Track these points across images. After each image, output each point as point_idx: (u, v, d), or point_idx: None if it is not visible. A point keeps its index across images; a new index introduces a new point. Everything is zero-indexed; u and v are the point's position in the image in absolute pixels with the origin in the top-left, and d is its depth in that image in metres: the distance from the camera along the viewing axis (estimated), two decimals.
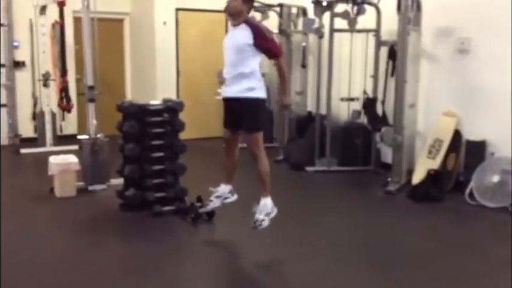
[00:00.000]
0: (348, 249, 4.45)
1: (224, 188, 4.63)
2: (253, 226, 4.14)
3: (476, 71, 5.94)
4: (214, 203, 4.63)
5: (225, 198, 4.63)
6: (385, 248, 4.49)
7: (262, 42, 4.19)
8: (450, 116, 6.11)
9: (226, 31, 8.78)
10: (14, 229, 4.82)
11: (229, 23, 4.45)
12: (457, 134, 6.03)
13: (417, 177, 5.94)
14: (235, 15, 4.25)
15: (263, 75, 9.19)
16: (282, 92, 4.56)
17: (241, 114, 4.31)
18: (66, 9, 7.73)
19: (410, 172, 6.26)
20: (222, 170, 4.76)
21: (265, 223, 4.15)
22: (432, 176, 5.82)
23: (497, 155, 5.67)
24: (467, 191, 5.63)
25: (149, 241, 4.51)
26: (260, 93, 4.30)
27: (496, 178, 5.47)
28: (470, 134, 5.96)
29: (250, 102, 4.26)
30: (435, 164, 5.96)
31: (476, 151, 5.83)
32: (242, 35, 4.20)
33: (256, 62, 4.28)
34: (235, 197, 4.64)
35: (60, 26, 7.89)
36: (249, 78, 4.23)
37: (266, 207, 4.19)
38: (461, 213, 5.41)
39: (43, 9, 7.93)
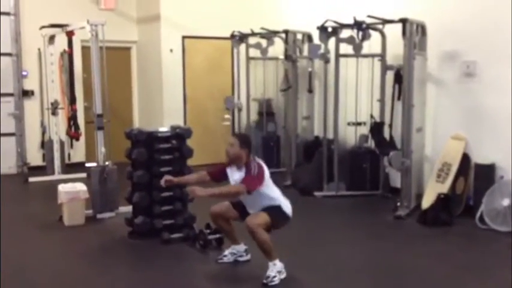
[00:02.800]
0: (358, 275, 4.41)
1: (239, 248, 4.61)
2: (264, 282, 4.11)
3: (483, 94, 5.95)
4: (228, 258, 4.60)
5: (240, 256, 4.61)
6: (395, 274, 4.45)
7: (246, 173, 4.18)
8: (458, 139, 6.10)
9: (232, 58, 8.89)
10: (23, 257, 4.82)
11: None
12: (465, 158, 6.01)
13: (427, 202, 5.91)
14: (235, 160, 4.29)
15: (268, 100, 9.30)
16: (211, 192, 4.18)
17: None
18: (74, 38, 7.82)
19: (419, 196, 6.22)
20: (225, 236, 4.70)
21: (276, 280, 4.12)
22: (442, 200, 5.78)
23: (506, 178, 5.64)
24: (478, 215, 5.58)
25: (158, 269, 4.49)
26: (282, 203, 4.27)
27: (506, 202, 5.43)
28: (479, 157, 5.93)
29: (272, 206, 4.23)
30: (444, 188, 5.93)
31: (486, 174, 5.80)
32: (241, 174, 4.23)
33: (269, 190, 4.25)
34: (249, 256, 4.60)
35: (68, 55, 7.97)
36: (269, 201, 4.23)
37: (276, 266, 4.17)
38: (472, 238, 5.35)
39: (52, 39, 8.03)
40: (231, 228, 4.56)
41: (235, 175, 4.30)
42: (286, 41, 7.82)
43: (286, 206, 4.30)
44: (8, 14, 8.46)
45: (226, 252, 4.62)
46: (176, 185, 4.73)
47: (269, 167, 6.33)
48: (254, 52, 8.55)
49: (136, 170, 5.22)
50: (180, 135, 5.33)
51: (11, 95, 8.59)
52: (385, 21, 6.44)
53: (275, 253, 4.17)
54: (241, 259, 4.61)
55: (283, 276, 4.19)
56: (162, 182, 4.55)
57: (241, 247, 4.60)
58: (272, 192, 4.28)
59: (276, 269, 4.15)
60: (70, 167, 8.31)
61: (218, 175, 4.43)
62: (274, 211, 4.21)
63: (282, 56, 8.10)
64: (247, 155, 4.26)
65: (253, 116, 8.91)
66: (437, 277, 4.33)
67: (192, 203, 5.34)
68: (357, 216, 6.30)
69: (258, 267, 4.29)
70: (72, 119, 8.06)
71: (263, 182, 4.18)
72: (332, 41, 6.85)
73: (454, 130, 6.19)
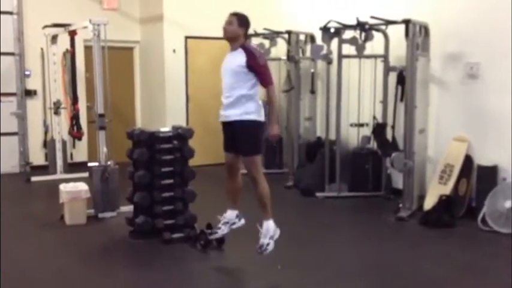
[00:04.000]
0: (359, 276, 4.40)
1: (231, 214, 4.63)
2: (258, 251, 4.11)
3: (486, 96, 5.93)
4: (222, 230, 4.63)
5: (233, 223, 4.62)
6: (397, 275, 4.43)
7: (254, 64, 4.25)
8: (461, 141, 6.08)
9: None
10: (24, 256, 4.82)
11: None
12: (468, 159, 5.99)
13: (429, 203, 5.89)
14: (231, 39, 4.33)
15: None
16: (270, 122, 4.44)
17: (238, 137, 4.34)
18: (77, 38, 7.83)
19: (421, 198, 6.21)
20: (226, 196, 4.74)
21: (270, 247, 4.13)
22: (444, 202, 5.77)
23: (509, 180, 5.62)
24: (480, 216, 5.56)
25: (159, 269, 4.48)
26: (257, 116, 4.32)
27: (508, 203, 5.41)
28: (482, 159, 5.92)
29: (246, 125, 4.30)
30: (447, 189, 5.91)
31: (488, 176, 5.78)
32: (237, 58, 4.30)
33: (253, 84, 4.30)
34: (242, 221, 4.63)
35: (71, 54, 7.97)
36: (246, 102, 4.28)
37: (269, 231, 4.17)
38: (475, 239, 5.34)
39: (54, 39, 8.04)
40: (238, 189, 4.60)
41: (231, 61, 4.34)
42: (288, 42, 7.81)
43: (260, 112, 4.33)
44: (10, 13, 8.48)
45: (219, 224, 4.63)
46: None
47: (271, 167, 6.35)
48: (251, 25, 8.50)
49: (137, 170, 5.22)
50: (181, 135, 5.32)
51: (14, 94, 8.60)
52: (388, 22, 6.43)
53: (271, 210, 4.17)
54: (235, 226, 4.63)
55: (276, 237, 4.18)
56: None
57: (233, 213, 4.62)
58: (255, 93, 4.33)
59: (268, 234, 4.13)
60: (72, 167, 8.31)
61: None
62: (256, 138, 4.30)
63: (284, 57, 8.09)
64: (245, 36, 4.32)
65: None
66: (438, 279, 4.31)
67: (193, 203, 5.34)
68: (359, 217, 6.29)
69: (260, 266, 4.28)
70: (74, 118, 8.06)
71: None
72: (335, 42, 6.84)
73: (456, 131, 6.18)
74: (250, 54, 4.27)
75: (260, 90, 4.41)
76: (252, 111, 4.30)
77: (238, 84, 4.28)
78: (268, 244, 4.13)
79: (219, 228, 4.63)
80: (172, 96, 9.04)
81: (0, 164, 8.32)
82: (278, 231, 4.28)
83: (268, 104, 4.42)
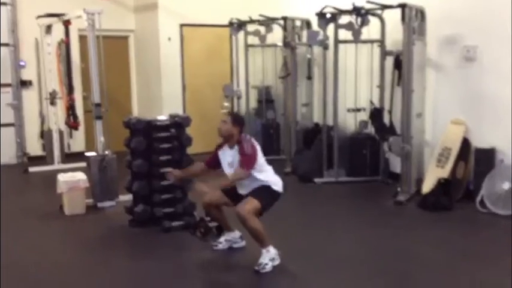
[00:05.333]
0: (359, 261, 4.42)
1: (234, 235, 4.63)
2: (256, 269, 4.13)
3: (483, 79, 5.93)
4: (223, 245, 4.63)
5: (235, 242, 4.64)
6: (396, 259, 4.45)
7: (241, 154, 4.23)
8: (458, 124, 6.09)
9: (231, 45, 8.85)
10: (24, 247, 4.83)
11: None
12: (465, 142, 6.00)
13: (427, 187, 5.91)
14: (227, 138, 4.34)
15: (267, 88, 9.26)
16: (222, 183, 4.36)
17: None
18: (71, 27, 7.77)
19: (419, 181, 6.22)
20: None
21: (268, 268, 4.14)
22: (442, 185, 5.78)
23: (506, 162, 5.63)
24: (478, 199, 5.59)
25: (159, 257, 4.50)
26: (272, 184, 4.29)
27: (506, 185, 5.43)
28: (479, 141, 5.92)
29: (262, 184, 4.27)
30: (445, 172, 5.92)
31: (486, 159, 5.80)
32: (233, 154, 4.31)
33: (259, 171, 4.27)
34: (243, 243, 4.63)
35: (66, 44, 7.92)
36: (256, 180, 4.25)
37: (269, 253, 4.17)
38: (473, 222, 5.36)
39: (49, 29, 7.98)
40: (224, 216, 4.58)
41: (227, 155, 4.35)
42: (284, 28, 7.77)
43: (276, 184, 4.32)
44: (4, 4, 8.41)
45: (221, 239, 4.64)
46: (181, 178, 4.70)
47: (269, 154, 6.33)
48: (253, 39, 8.51)
49: (135, 159, 5.21)
50: (179, 123, 5.32)
51: (9, 85, 8.55)
52: (384, 7, 6.40)
53: (268, 240, 4.18)
54: (236, 245, 4.64)
55: (276, 263, 4.19)
56: (168, 177, 4.64)
57: (236, 234, 4.63)
58: (264, 172, 4.31)
59: (268, 256, 4.15)
60: (69, 157, 8.29)
61: (213, 163, 4.50)
62: (264, 193, 4.24)
63: (280, 43, 8.06)
64: (239, 133, 4.31)
65: (253, 104, 8.89)
66: (438, 262, 4.33)
67: (192, 191, 5.33)
68: (357, 202, 6.31)
69: (257, 255, 4.29)
70: (70, 108, 8.04)
71: (257, 158, 4.25)
72: (331, 27, 6.81)
73: (454, 115, 6.18)
74: (240, 147, 4.25)
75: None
76: (268, 180, 4.29)
77: (247, 181, 4.28)
78: (266, 264, 4.14)
79: (220, 242, 4.63)
80: (168, 85, 9.00)
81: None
82: (279, 259, 4.20)
83: (234, 175, 4.28)
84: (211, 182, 4.35)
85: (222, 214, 4.57)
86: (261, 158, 4.32)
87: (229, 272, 4.37)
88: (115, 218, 5.57)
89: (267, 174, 4.34)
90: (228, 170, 4.37)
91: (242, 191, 4.33)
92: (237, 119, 4.38)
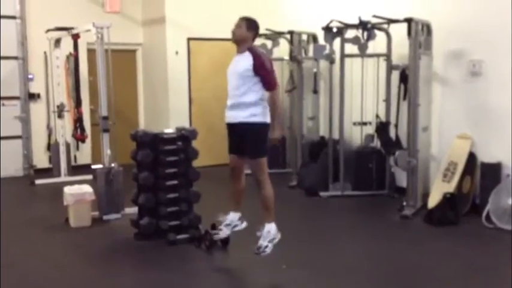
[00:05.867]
0: (365, 275, 4.40)
1: (233, 216, 4.63)
2: (256, 252, 4.13)
3: (489, 93, 5.93)
4: (224, 232, 4.64)
5: (235, 226, 4.64)
6: (403, 273, 4.43)
7: (260, 69, 4.27)
8: (464, 138, 6.08)
9: None
10: (29, 259, 4.83)
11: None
12: (471, 157, 5.99)
13: (433, 201, 5.89)
14: (239, 42, 4.35)
15: None
16: (273, 126, 4.47)
17: (244, 139, 4.36)
18: (80, 41, 7.85)
19: (425, 196, 6.21)
20: (230, 197, 4.74)
21: (268, 249, 4.14)
22: (448, 200, 5.76)
23: None
24: (484, 213, 5.56)
25: (164, 270, 4.49)
26: (262, 118, 4.33)
27: None
28: (485, 156, 5.91)
29: (252, 127, 4.31)
30: (451, 187, 5.91)
31: (492, 173, 5.78)
32: (244, 61, 4.31)
33: (260, 88, 4.32)
34: (244, 224, 4.64)
35: (74, 57, 8.00)
36: (252, 105, 4.29)
37: (270, 234, 4.18)
38: (479, 237, 5.33)
39: (57, 42, 8.06)
40: (242, 192, 4.62)
41: (235, 66, 4.36)
42: (291, 42, 7.81)
43: (264, 113, 4.34)
44: (14, 17, 8.51)
45: (221, 226, 4.63)
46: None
47: (275, 167, 6.34)
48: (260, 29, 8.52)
49: (141, 171, 5.23)
50: (185, 136, 5.33)
51: (17, 98, 8.63)
52: (391, 21, 6.43)
53: (273, 213, 4.18)
54: (237, 228, 4.64)
55: (276, 240, 4.18)
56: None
57: (235, 216, 4.63)
58: (261, 92, 4.34)
59: (269, 237, 4.14)
60: (76, 169, 8.33)
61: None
62: (263, 139, 4.32)
63: (287, 57, 8.10)
64: (253, 40, 4.33)
65: None
66: (444, 276, 4.31)
67: (198, 204, 5.35)
68: (363, 216, 6.29)
69: (264, 266, 4.29)
70: (78, 121, 8.09)
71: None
72: (337, 42, 6.84)
73: (460, 129, 6.17)
74: (257, 57, 4.29)
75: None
76: (258, 114, 4.32)
77: (244, 87, 4.30)
78: (266, 246, 4.14)
79: (221, 229, 4.64)
80: (175, 98, 9.05)
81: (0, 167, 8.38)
82: (279, 235, 4.27)
83: (272, 107, 4.42)
84: None
85: (242, 190, 4.60)
86: None
87: (236, 285, 4.36)
88: (120, 231, 5.58)
89: (262, 103, 4.34)
90: (234, 82, 4.35)
91: (234, 117, 4.37)
92: (252, 24, 4.38)
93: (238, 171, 4.58)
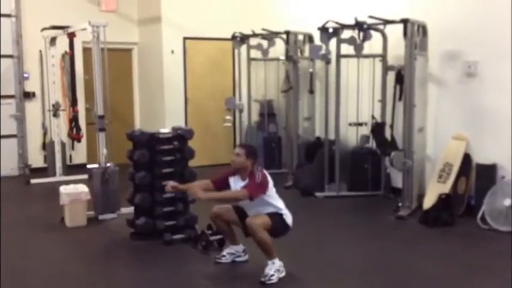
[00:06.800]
0: (360, 275, 4.42)
1: (237, 248, 4.62)
2: (262, 281, 4.13)
3: (484, 94, 5.95)
4: (226, 258, 4.60)
5: (238, 256, 4.62)
6: (398, 274, 4.45)
7: (250, 180, 4.22)
8: (459, 139, 6.10)
9: (233, 59, 8.92)
10: (25, 259, 4.82)
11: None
12: (466, 158, 6.01)
13: (428, 202, 5.91)
14: (239, 171, 4.32)
15: (270, 101, 9.30)
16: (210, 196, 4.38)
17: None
18: (75, 39, 7.83)
19: (421, 196, 6.22)
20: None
21: (274, 278, 4.13)
22: (443, 201, 5.78)
23: (508, 178, 5.63)
24: (479, 215, 5.58)
25: (160, 270, 4.49)
26: (284, 212, 4.29)
27: (507, 202, 5.42)
28: (480, 157, 5.93)
29: (273, 211, 4.26)
30: (446, 188, 5.93)
31: (487, 174, 5.80)
32: (242, 185, 4.27)
33: (271, 199, 4.27)
34: (246, 257, 4.61)
35: (70, 56, 7.98)
36: (269, 208, 4.26)
37: (275, 265, 4.17)
38: (474, 238, 5.35)
39: (53, 41, 8.04)
40: (231, 229, 4.58)
41: (238, 185, 4.32)
42: (287, 42, 7.82)
43: (288, 216, 4.32)
44: (9, 16, 8.47)
45: (225, 252, 4.64)
46: (180, 191, 4.75)
47: (270, 167, 6.35)
48: (255, 53, 8.56)
49: (138, 171, 5.23)
50: (181, 136, 5.33)
51: (13, 96, 8.60)
52: (386, 22, 6.45)
53: (275, 252, 4.19)
54: (239, 259, 4.62)
55: (282, 275, 4.19)
56: (167, 188, 4.62)
57: (240, 247, 4.62)
58: (275, 201, 4.31)
59: (274, 268, 4.16)
60: (71, 169, 8.31)
61: (221, 184, 4.42)
62: (275, 217, 4.24)
63: (283, 57, 8.11)
64: (252, 166, 4.29)
65: (255, 117, 8.91)
66: (439, 277, 4.33)
67: (194, 204, 5.35)
68: (358, 216, 6.30)
69: (259, 268, 4.29)
70: (73, 120, 8.07)
71: (266, 190, 4.21)
72: (333, 42, 6.85)
73: (455, 130, 6.19)
74: (250, 177, 4.23)
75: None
76: (281, 208, 4.29)
77: (258, 208, 4.26)
78: (273, 275, 4.14)
79: (224, 255, 4.62)
80: (171, 98, 9.04)
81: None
82: (284, 271, 4.21)
83: (225, 192, 4.35)
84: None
85: (229, 227, 4.56)
86: (272, 189, 4.29)
87: (233, 285, 4.37)
88: (116, 231, 5.57)
89: (280, 203, 4.33)
90: (246, 204, 4.31)
91: (252, 214, 4.30)
92: (250, 152, 4.32)
93: (225, 219, 4.51)
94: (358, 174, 7.05)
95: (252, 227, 4.10)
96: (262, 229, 4.12)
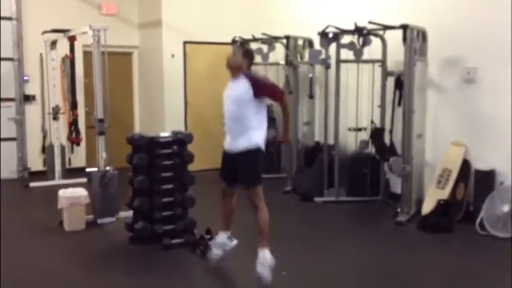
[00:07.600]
0: (359, 281, 4.42)
1: (223, 236, 4.59)
2: (259, 283, 4.12)
3: (483, 100, 5.96)
4: (217, 254, 4.59)
5: (224, 245, 4.60)
6: (395, 279, 4.45)
7: (263, 90, 4.25)
8: (458, 145, 6.11)
9: None
10: (23, 262, 4.82)
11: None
12: (465, 164, 6.01)
13: (427, 208, 5.91)
14: (234, 69, 4.32)
15: (269, 106, 9.27)
16: (284, 130, 4.63)
17: (241, 169, 4.30)
18: (76, 43, 7.84)
19: (419, 202, 6.23)
20: (220, 218, 4.66)
21: (270, 277, 4.12)
22: (442, 206, 5.79)
23: (506, 184, 5.64)
24: (478, 221, 5.58)
25: (158, 275, 4.49)
26: (259, 143, 4.29)
27: (506, 208, 5.43)
28: (479, 163, 5.94)
29: (250, 155, 4.25)
30: (444, 194, 5.93)
31: (486, 180, 5.80)
32: (240, 86, 4.25)
33: (258, 113, 4.30)
34: (234, 242, 4.60)
35: (70, 60, 7.99)
36: (251, 131, 4.26)
37: (267, 260, 4.14)
38: (473, 244, 5.35)
39: (53, 44, 8.06)
40: (232, 213, 4.58)
41: (231, 90, 4.33)
42: (287, 47, 7.84)
43: (262, 139, 4.33)
44: (10, 19, 8.48)
45: (213, 248, 4.60)
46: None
47: (269, 172, 6.33)
48: (255, 57, 8.55)
49: (137, 175, 5.23)
50: (181, 140, 5.34)
51: (12, 99, 8.60)
52: (386, 27, 6.47)
53: (269, 238, 4.18)
54: (228, 248, 4.58)
55: (273, 264, 4.18)
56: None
57: (224, 235, 4.57)
58: (260, 117, 4.33)
59: (266, 263, 4.11)
60: (71, 172, 8.31)
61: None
62: (258, 165, 4.28)
63: (282, 62, 8.13)
64: (248, 67, 4.31)
65: None
66: (437, 283, 4.33)
67: (193, 208, 5.35)
68: (357, 222, 6.31)
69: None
70: (73, 124, 8.08)
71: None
72: (333, 47, 6.87)
73: (454, 136, 6.20)
74: (254, 82, 4.23)
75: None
76: (257, 140, 4.27)
77: (243, 114, 4.23)
78: (267, 274, 4.14)
79: (214, 253, 4.60)
80: (170, 101, 9.05)
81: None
82: (274, 260, 4.22)
83: (283, 112, 4.54)
84: None
85: (233, 211, 4.57)
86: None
87: (231, 286, 4.38)
88: (115, 235, 5.57)
89: (260, 129, 4.33)
90: (232, 108, 4.29)
91: (232, 145, 4.31)
92: (247, 52, 4.40)
93: (230, 196, 4.54)
94: (357, 179, 7.06)
95: (257, 206, 4.19)
96: (265, 209, 4.20)
